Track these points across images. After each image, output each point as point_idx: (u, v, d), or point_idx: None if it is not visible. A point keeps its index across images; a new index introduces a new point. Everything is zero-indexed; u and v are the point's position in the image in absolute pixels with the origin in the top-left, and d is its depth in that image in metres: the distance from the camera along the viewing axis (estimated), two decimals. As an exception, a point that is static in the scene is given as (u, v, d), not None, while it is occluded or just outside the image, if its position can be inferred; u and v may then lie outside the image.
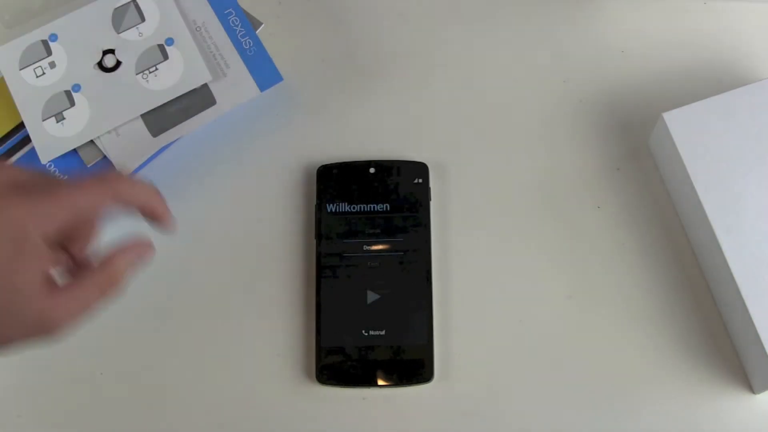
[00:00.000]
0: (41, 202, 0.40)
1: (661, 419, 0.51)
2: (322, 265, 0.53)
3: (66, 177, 0.51)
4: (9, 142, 0.53)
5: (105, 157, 0.53)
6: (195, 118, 0.53)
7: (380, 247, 0.53)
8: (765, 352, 0.47)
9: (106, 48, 0.54)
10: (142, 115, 0.53)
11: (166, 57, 0.54)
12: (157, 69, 0.54)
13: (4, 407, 0.52)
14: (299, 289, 0.54)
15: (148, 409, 0.52)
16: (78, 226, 0.44)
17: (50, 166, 0.53)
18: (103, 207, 0.42)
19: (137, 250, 0.43)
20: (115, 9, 0.55)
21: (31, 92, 0.53)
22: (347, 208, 0.54)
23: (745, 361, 0.51)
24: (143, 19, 0.54)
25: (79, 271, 0.43)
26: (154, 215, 0.44)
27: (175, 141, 0.54)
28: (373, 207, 0.54)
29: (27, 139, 0.53)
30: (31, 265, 0.40)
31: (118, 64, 0.54)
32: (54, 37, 0.54)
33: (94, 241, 0.45)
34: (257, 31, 0.55)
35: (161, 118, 0.53)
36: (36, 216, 0.40)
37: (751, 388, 0.51)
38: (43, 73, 0.54)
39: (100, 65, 0.54)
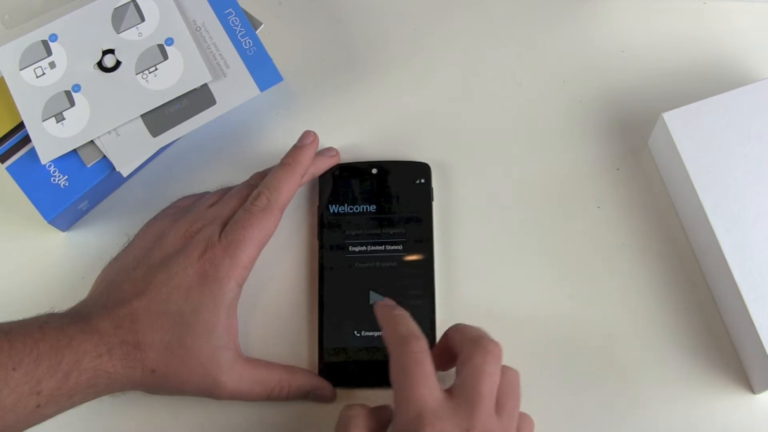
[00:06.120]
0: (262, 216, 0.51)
1: (661, 419, 0.51)
2: (325, 266, 0.53)
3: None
4: (9, 142, 0.53)
5: (105, 157, 0.53)
6: (195, 118, 0.53)
7: (383, 247, 0.53)
8: (765, 352, 0.47)
9: (106, 48, 0.54)
10: (142, 115, 0.53)
11: (165, 57, 0.54)
12: (157, 69, 0.54)
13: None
14: (302, 289, 0.54)
15: (152, 408, 0.52)
16: None
17: (50, 166, 0.53)
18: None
19: None
20: (115, 9, 0.55)
21: (31, 92, 0.53)
22: (349, 209, 0.54)
23: (745, 361, 0.51)
24: (143, 19, 0.54)
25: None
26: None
27: (175, 141, 0.54)
28: (376, 208, 0.54)
29: (27, 139, 0.53)
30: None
31: (118, 64, 0.54)
32: (54, 37, 0.54)
33: None
34: (257, 31, 0.55)
35: (161, 118, 0.53)
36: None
37: (751, 388, 0.51)
38: (43, 73, 0.54)
39: (100, 65, 0.54)
